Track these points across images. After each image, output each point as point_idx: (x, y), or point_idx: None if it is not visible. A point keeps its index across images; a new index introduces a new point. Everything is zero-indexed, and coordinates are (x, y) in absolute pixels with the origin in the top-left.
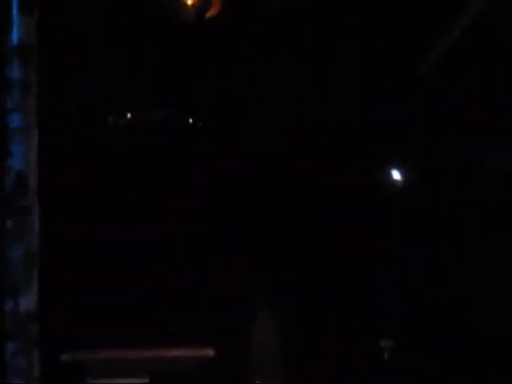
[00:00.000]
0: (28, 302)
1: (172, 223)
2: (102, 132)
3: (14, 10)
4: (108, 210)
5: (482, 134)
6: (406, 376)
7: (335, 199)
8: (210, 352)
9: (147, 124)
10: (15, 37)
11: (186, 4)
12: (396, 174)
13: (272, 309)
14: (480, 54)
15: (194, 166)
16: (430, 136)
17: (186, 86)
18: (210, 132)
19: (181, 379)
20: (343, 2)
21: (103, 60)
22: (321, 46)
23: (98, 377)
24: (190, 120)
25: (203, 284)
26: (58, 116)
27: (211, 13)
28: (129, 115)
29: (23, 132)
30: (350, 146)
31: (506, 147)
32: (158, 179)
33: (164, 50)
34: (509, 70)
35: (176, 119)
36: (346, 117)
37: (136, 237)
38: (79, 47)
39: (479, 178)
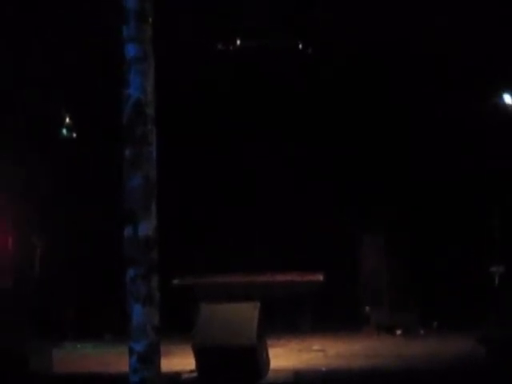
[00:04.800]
0: (147, 228)
1: (282, 151)
2: (213, 58)
3: None
4: (222, 135)
5: None
6: None
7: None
8: (321, 277)
9: (257, 50)
10: None
11: None
12: None
13: (382, 241)
14: None
15: (302, 91)
16: None
17: (298, 13)
18: (320, 58)
19: (291, 303)
20: None
21: None
22: None
23: (209, 301)
24: (300, 46)
25: (317, 213)
26: (171, 44)
27: None
28: (238, 42)
29: (140, 61)
30: None
31: None
32: (267, 104)
33: None
34: None
35: (287, 45)
36: None
37: (244, 164)
38: None
39: None
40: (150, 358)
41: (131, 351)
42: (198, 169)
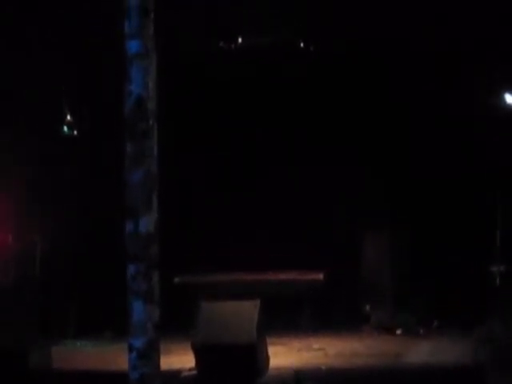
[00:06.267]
0: (148, 223)
1: (287, 146)
2: (214, 56)
3: None
4: (223, 133)
5: None
6: None
7: None
8: (321, 276)
9: (257, 48)
10: None
11: None
12: None
13: (384, 239)
14: None
15: (303, 89)
16: None
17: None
18: (321, 56)
19: (291, 302)
20: None
21: None
22: None
23: (209, 298)
24: (302, 44)
25: (317, 209)
26: (171, 41)
27: None
28: (240, 40)
29: (142, 57)
30: None
31: None
32: (268, 101)
33: None
34: None
35: (287, 43)
36: None
37: (245, 161)
38: None
39: None
40: (149, 355)
41: (131, 348)
42: (199, 166)
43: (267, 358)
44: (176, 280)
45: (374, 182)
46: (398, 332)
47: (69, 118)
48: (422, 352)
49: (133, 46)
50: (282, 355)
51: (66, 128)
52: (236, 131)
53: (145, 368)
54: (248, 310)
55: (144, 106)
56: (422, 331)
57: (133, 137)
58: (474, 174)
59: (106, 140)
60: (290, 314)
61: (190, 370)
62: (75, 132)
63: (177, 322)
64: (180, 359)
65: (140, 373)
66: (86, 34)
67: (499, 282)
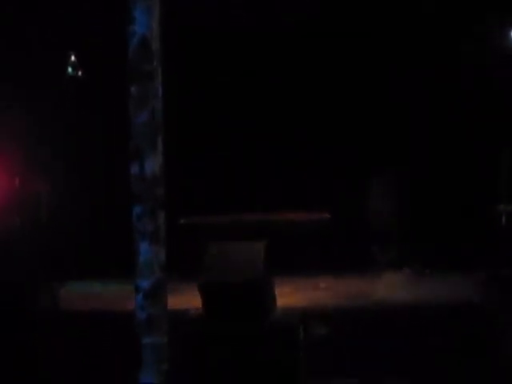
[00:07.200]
0: (153, 165)
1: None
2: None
3: None
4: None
5: None
6: None
7: None
8: (327, 216)
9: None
10: None
11: None
12: None
13: (387, 181)
14: None
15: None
16: None
17: None
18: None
19: (298, 242)
20: None
21: None
22: None
23: (216, 239)
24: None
25: (323, 152)
26: None
27: None
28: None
29: None
30: None
31: None
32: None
33: None
34: None
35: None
36: None
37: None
38: None
39: None
40: (156, 295)
41: (137, 289)
42: (206, 105)
43: (274, 298)
44: (182, 221)
45: (378, 129)
46: (406, 271)
47: (73, 58)
48: (429, 290)
49: None
50: (289, 295)
51: (70, 69)
52: (242, 78)
53: (151, 308)
54: (254, 250)
55: (148, 47)
56: (428, 271)
57: (137, 78)
58: (482, 114)
59: (112, 80)
60: (296, 254)
61: (196, 309)
62: (79, 73)
63: (184, 263)
64: (187, 299)
65: (147, 313)
66: None
67: (505, 222)
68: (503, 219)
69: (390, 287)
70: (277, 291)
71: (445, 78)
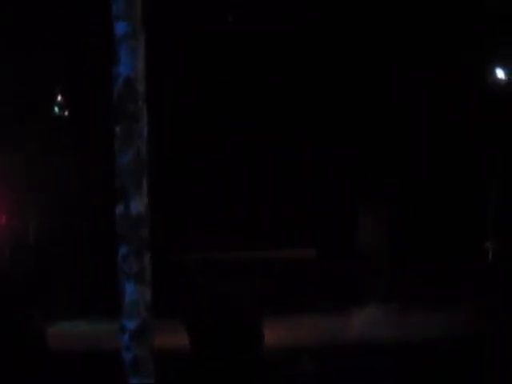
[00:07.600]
0: (139, 205)
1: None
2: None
3: None
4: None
5: None
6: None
7: None
8: (314, 253)
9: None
10: None
11: None
12: None
13: (373, 217)
14: None
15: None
16: None
17: None
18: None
19: (285, 279)
20: None
21: None
22: None
23: (202, 277)
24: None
25: (310, 191)
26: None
27: None
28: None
29: (129, 39)
30: None
31: None
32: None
33: None
34: None
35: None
36: None
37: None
38: None
39: None
40: (142, 336)
41: (123, 329)
42: (190, 146)
43: (262, 335)
44: (169, 259)
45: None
46: (394, 306)
47: (59, 98)
48: (415, 325)
49: (120, 27)
50: (277, 332)
51: (56, 108)
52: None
53: (137, 349)
54: (242, 288)
55: (133, 88)
56: (419, 305)
57: (122, 118)
58: (469, 149)
59: (96, 120)
60: (284, 292)
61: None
62: (66, 112)
63: (170, 301)
64: (174, 339)
65: (133, 354)
66: (75, 14)
67: (491, 259)
68: (489, 255)
69: (376, 323)
70: (265, 328)
71: (434, 111)
